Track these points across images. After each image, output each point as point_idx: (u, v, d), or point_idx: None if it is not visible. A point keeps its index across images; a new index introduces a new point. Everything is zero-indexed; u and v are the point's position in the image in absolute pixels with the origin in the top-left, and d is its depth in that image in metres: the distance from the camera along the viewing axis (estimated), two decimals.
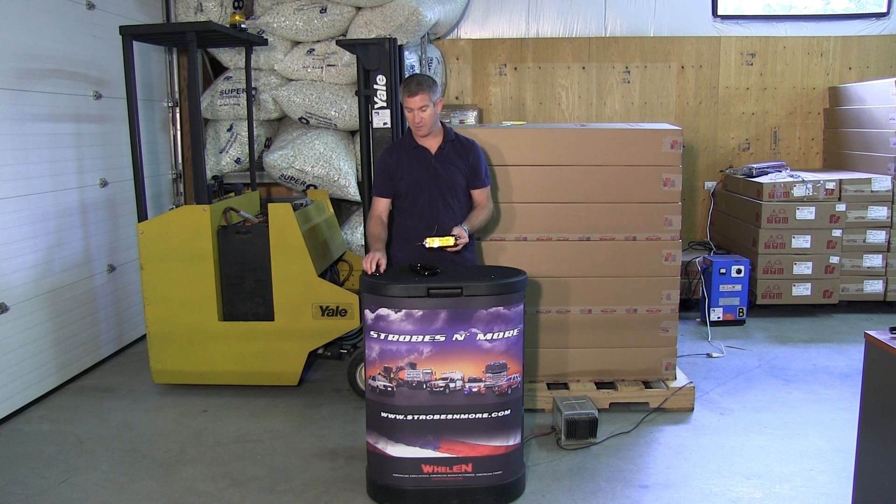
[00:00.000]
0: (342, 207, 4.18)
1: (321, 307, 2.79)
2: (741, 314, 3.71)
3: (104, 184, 3.29)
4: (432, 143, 2.35)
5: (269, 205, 2.81)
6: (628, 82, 4.42)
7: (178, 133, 4.01)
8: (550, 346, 2.73)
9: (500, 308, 1.96)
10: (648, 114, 4.46)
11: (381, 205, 2.37)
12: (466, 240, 2.21)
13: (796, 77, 4.39)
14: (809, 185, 3.73)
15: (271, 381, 2.88)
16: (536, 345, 2.73)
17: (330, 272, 3.20)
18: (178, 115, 3.99)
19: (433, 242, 2.15)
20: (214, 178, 3.74)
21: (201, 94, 3.76)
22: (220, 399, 2.83)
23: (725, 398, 2.78)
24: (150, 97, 3.77)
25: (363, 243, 3.39)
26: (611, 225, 2.67)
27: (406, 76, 2.56)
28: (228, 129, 3.90)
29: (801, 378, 2.98)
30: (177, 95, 3.97)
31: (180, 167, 4.04)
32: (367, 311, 1.98)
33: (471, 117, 4.19)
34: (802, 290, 3.78)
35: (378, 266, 2.09)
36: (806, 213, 3.73)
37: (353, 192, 3.84)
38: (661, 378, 2.74)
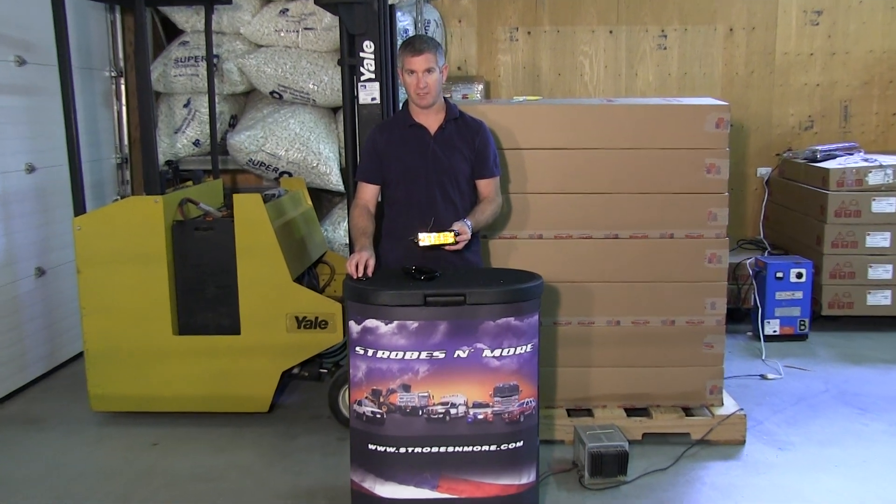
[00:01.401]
0: (322, 199, 4.20)
1: (297, 318, 2.82)
2: (802, 327, 3.73)
3: (31, 169, 3.29)
4: (432, 121, 2.37)
5: (235, 196, 2.84)
6: (664, 49, 4.44)
7: (124, 109, 4.04)
8: (571, 364, 2.76)
9: (511, 319, 1.98)
10: (689, 87, 4.48)
11: (368, 192, 2.39)
12: (468, 237, 2.23)
13: (874, 39, 4.31)
14: (889, 171, 3.70)
15: (237, 407, 2.91)
16: (554, 363, 2.76)
17: (308, 276, 3.23)
18: (122, 88, 4.01)
19: (427, 239, 2.16)
20: (168, 163, 3.77)
21: (152, 62, 3.79)
22: (175, 429, 2.85)
23: (784, 429, 2.79)
24: (87, 65, 3.77)
25: (347, 242, 3.42)
26: (643, 220, 2.70)
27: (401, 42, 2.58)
28: (185, 105, 3.93)
29: (880, 406, 2.97)
30: (121, 63, 4.00)
31: (126, 150, 4.07)
32: (352, 323, 2.01)
33: (476, 91, 4.22)
34: (879, 299, 3.76)
35: (365, 268, 2.12)
36: (884, 205, 3.70)
37: (335, 181, 3.87)
38: (704, 404, 2.77)
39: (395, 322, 1.96)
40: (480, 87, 4.25)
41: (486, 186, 2.42)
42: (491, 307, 1.97)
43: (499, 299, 1.98)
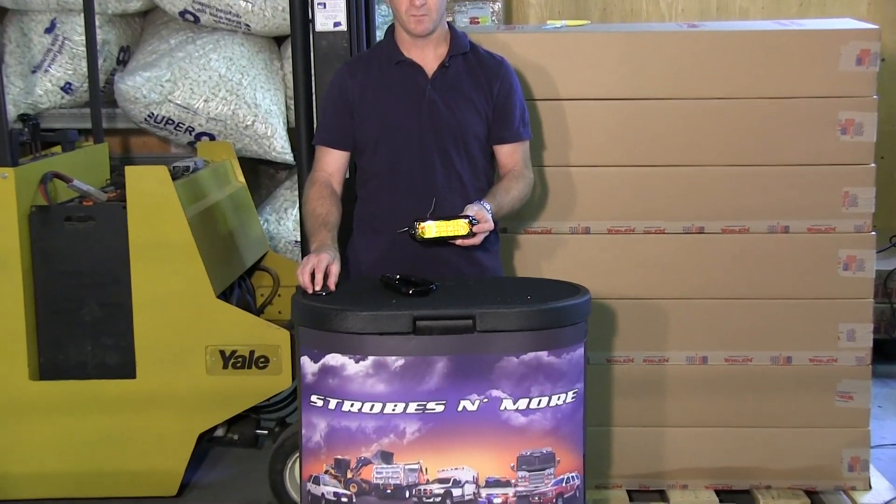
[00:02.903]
0: (262, 174, 4.24)
1: (223, 353, 2.85)
2: None
3: None
4: (430, 57, 2.40)
5: (128, 169, 2.86)
6: None
7: None
8: (634, 422, 2.80)
9: (543, 354, 2.01)
10: (815, 1, 4.49)
11: (332, 162, 2.42)
12: (490, 227, 2.24)
13: None
14: None
15: (131, 490, 2.93)
16: (608, 420, 2.80)
17: (239, 290, 3.26)
18: None
19: (428, 230, 2.18)
20: (23, 118, 3.72)
21: None
22: None
23: None
24: None
25: (299, 238, 3.42)
26: (743, 205, 2.74)
27: None
28: (47, 30, 3.95)
29: None
30: None
31: None
32: (305, 360, 2.04)
33: (490, 14, 4.21)
34: None
35: (325, 278, 2.14)
36: None
37: (279, 147, 3.90)
38: (840, 486, 2.80)
39: (371, 358, 1.98)
40: (497, 6, 4.26)
41: (511, 155, 2.45)
42: (513, 336, 1.99)
43: (525, 324, 2.00)
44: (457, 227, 2.18)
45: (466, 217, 2.19)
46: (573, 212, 2.77)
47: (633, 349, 2.79)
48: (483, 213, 2.23)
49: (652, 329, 2.77)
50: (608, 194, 2.76)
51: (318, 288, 2.13)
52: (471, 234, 2.19)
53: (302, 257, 2.25)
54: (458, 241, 2.21)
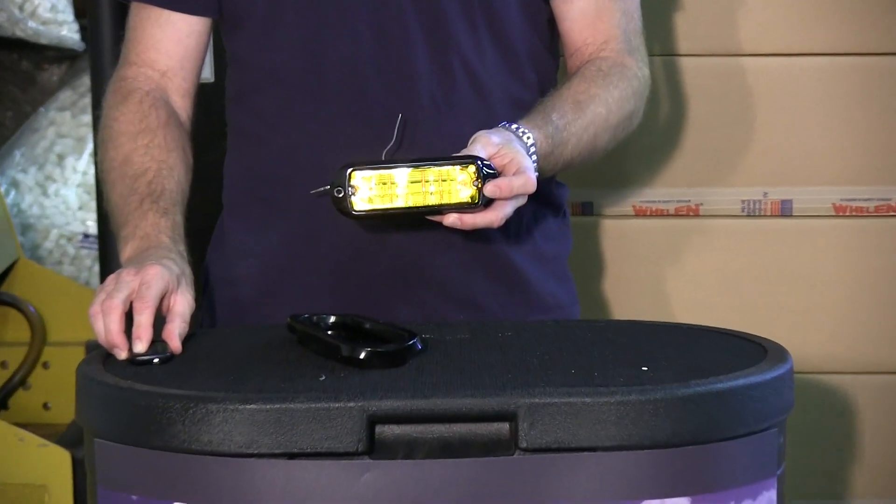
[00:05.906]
0: (5, 77, 4.37)
1: None
2: None
3: None
4: None
5: None
6: None
7: None
8: None
9: (680, 503, 2.04)
10: None
11: (169, 45, 2.59)
12: (530, 183, 2.27)
13: None
14: None
15: None
16: None
17: None
18: None
19: (377, 190, 2.22)
20: None
21: None
22: None
23: None
24: None
25: (92, 230, 3.50)
26: None
27: None
28: None
29: None
30: None
31: None
32: None
33: None
34: None
35: (158, 320, 2.19)
36: None
37: (44, 12, 3.97)
38: None
39: None
40: None
41: (595, 21, 2.59)
42: (606, 460, 2.03)
43: (634, 432, 2.03)
44: (445, 185, 2.23)
45: (470, 160, 2.23)
46: (745, 167, 2.80)
47: None
48: (511, 150, 2.28)
49: None
50: (829, 126, 2.79)
51: (139, 348, 2.16)
52: (480, 202, 2.23)
53: (102, 276, 2.20)
54: (451, 220, 2.27)
